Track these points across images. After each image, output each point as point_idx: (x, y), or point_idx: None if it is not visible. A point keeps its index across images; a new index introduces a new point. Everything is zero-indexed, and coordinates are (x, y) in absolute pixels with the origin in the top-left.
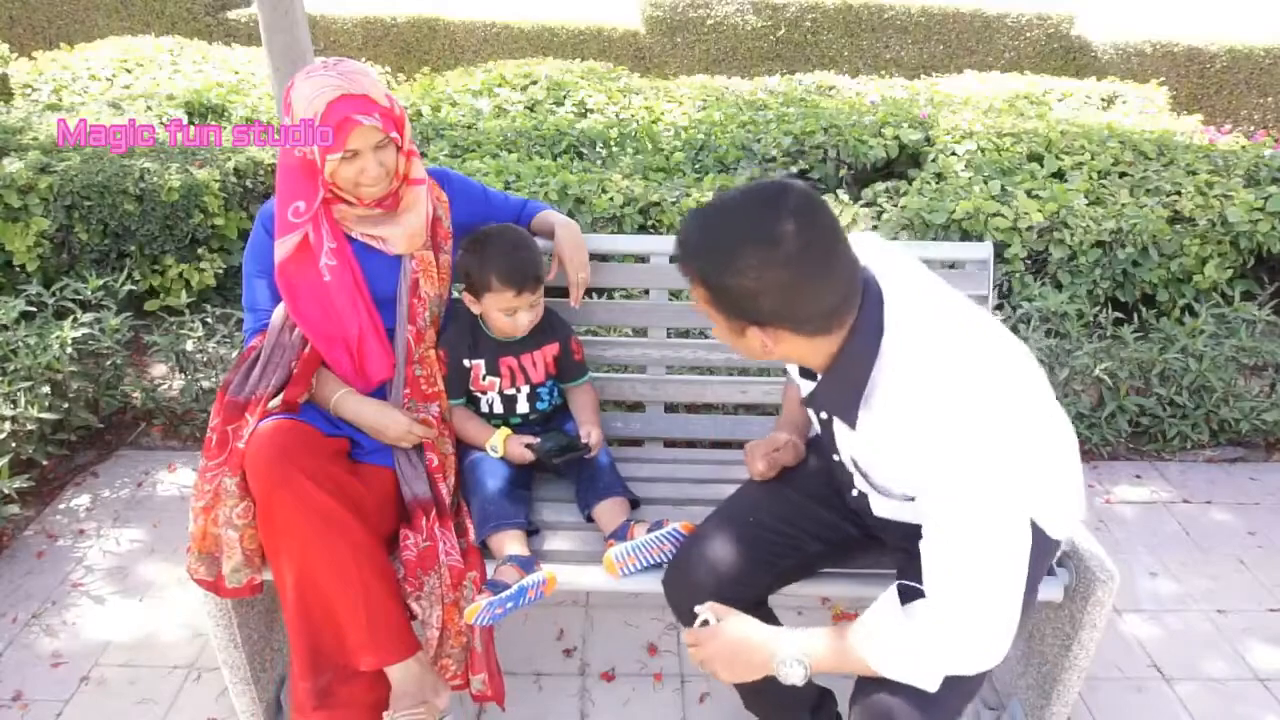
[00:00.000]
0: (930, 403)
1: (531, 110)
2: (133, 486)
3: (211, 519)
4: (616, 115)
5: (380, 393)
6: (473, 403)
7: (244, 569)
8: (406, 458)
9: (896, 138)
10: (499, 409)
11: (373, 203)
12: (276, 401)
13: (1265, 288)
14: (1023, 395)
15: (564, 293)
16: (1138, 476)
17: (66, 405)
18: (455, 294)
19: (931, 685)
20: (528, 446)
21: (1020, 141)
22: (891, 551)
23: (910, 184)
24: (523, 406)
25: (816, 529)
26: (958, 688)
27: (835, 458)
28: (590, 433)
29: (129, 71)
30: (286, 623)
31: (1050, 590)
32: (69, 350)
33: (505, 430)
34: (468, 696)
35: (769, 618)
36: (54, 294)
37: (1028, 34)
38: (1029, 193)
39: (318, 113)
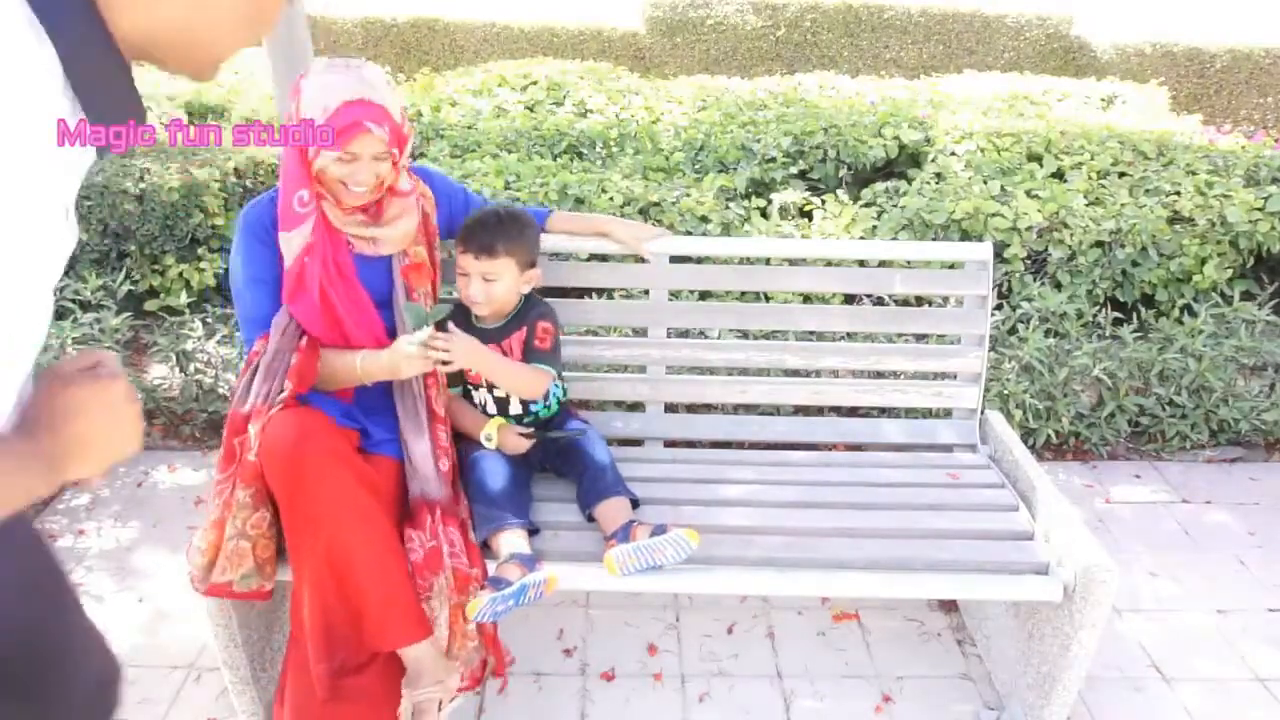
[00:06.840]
0: None
1: (531, 110)
2: (132, 486)
3: (223, 533)
4: (616, 115)
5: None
6: (467, 397)
7: (255, 576)
8: (416, 454)
9: (896, 138)
10: (492, 409)
11: (352, 209)
12: (283, 396)
13: (1265, 288)
14: None
15: (567, 293)
16: (1137, 476)
17: None
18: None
19: None
20: (522, 435)
21: (1020, 142)
22: None
23: (910, 184)
24: (515, 408)
25: None
26: None
27: None
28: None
29: None
30: (307, 604)
31: (1049, 590)
32: (69, 350)
33: (499, 420)
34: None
35: None
36: (54, 294)
37: (1027, 34)
38: (1028, 193)
39: (329, 108)
